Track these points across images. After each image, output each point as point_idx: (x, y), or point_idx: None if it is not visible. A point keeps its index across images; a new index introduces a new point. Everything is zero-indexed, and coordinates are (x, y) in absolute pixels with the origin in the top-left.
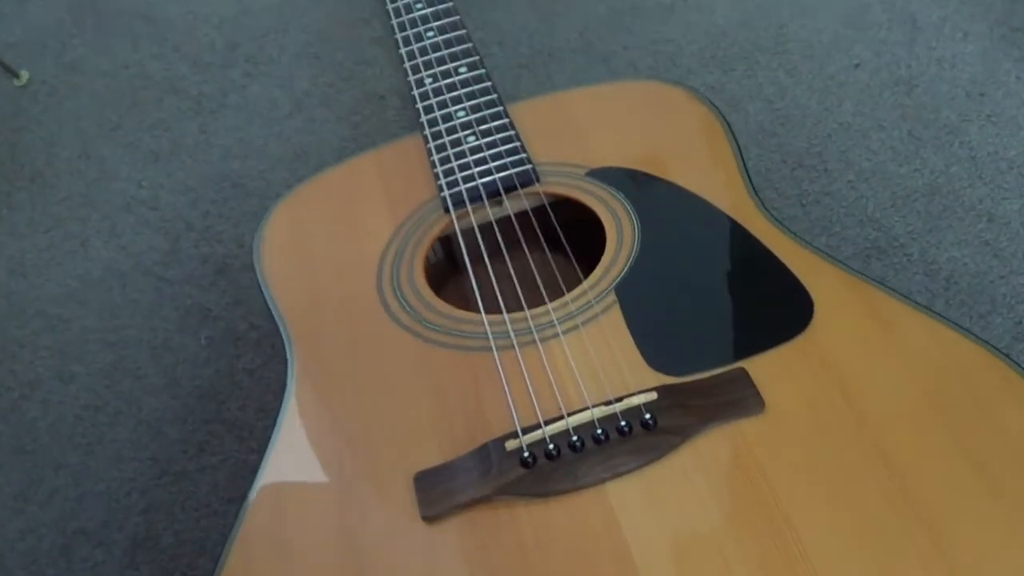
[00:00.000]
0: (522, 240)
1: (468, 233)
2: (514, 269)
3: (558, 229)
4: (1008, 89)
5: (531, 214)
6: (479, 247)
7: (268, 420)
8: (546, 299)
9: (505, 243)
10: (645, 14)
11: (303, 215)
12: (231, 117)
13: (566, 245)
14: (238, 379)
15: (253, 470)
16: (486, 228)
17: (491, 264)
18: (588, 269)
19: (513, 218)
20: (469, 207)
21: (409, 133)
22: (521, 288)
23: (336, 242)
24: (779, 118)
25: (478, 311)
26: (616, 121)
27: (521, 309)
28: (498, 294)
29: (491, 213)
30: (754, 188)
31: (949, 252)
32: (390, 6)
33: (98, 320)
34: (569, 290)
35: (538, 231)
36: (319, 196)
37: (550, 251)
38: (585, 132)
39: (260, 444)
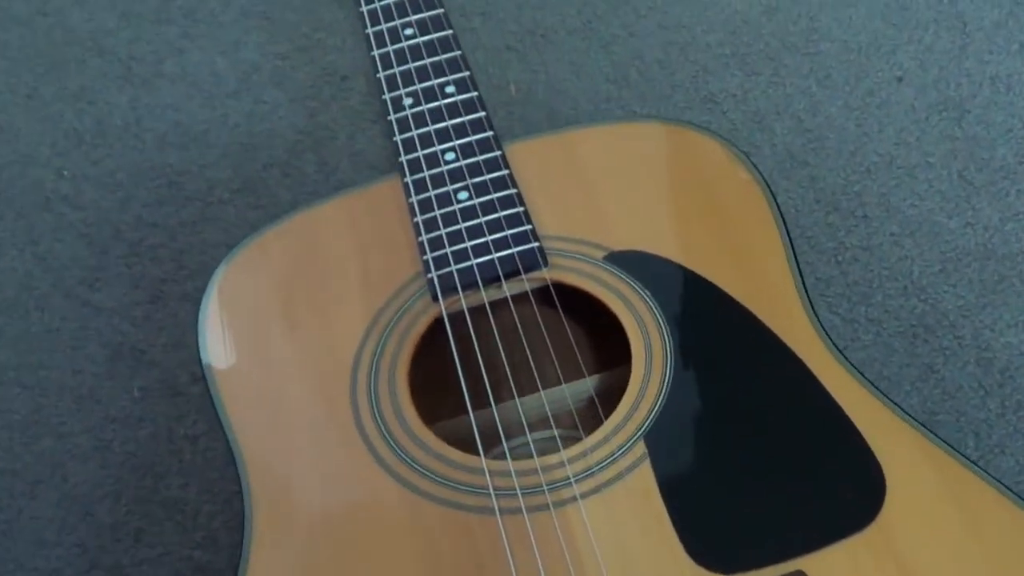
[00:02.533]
0: (519, 325)
1: (458, 320)
2: (510, 363)
3: (564, 322)
4: None
5: (533, 297)
6: (471, 339)
7: (214, 505)
8: (549, 415)
9: (499, 329)
10: None
11: (255, 288)
12: (167, 91)
13: (572, 342)
14: (178, 447)
15: (198, 569)
16: (478, 311)
17: (484, 355)
18: (598, 355)
19: (511, 301)
20: (461, 294)
21: (376, 173)
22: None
23: (298, 336)
24: (811, 142)
25: (470, 424)
26: (640, 182)
27: (522, 426)
28: (492, 403)
29: (485, 297)
30: (808, 294)
31: (1005, 336)
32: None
33: (12, 354)
34: (578, 393)
35: (539, 316)
36: (274, 261)
37: (555, 334)
38: (601, 196)
39: (205, 537)
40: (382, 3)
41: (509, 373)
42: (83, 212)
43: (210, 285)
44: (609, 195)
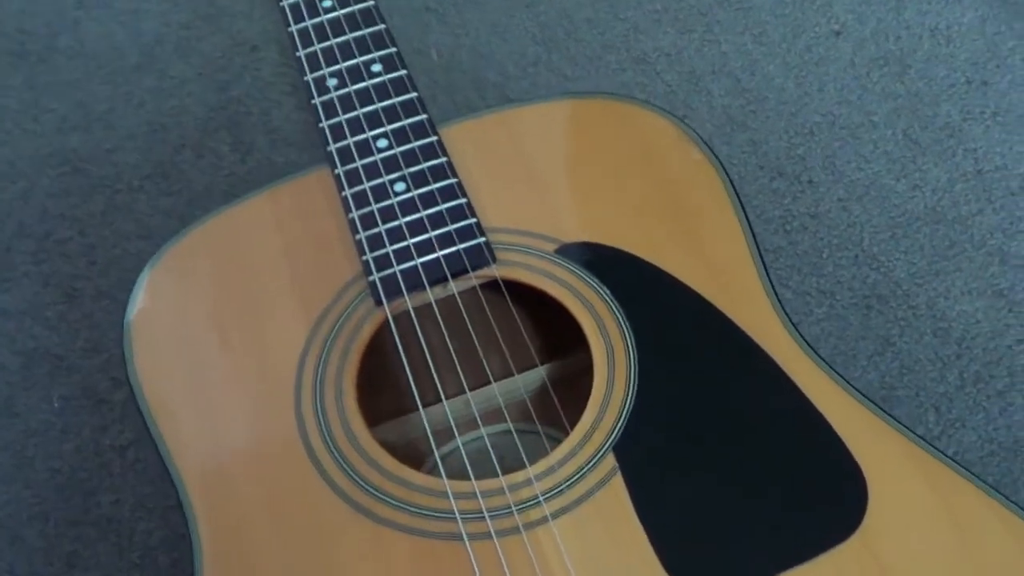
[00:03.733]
0: (466, 316)
1: (402, 318)
2: (458, 355)
3: (513, 310)
4: (1014, 77)
5: (480, 289)
6: (416, 334)
7: (150, 522)
8: (503, 408)
9: (444, 321)
10: None
11: (182, 295)
12: (64, 67)
13: (522, 330)
14: (106, 459)
15: None
16: (424, 308)
17: (430, 350)
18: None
19: (459, 297)
20: (407, 296)
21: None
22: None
23: (233, 347)
24: (750, 103)
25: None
26: (587, 164)
27: (475, 421)
28: (443, 398)
29: (432, 295)
30: (772, 282)
31: (960, 304)
32: None
33: None
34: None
35: (486, 306)
36: (200, 265)
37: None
38: (547, 181)
39: (143, 557)
40: None
41: (458, 366)
42: None
43: (134, 293)
44: (555, 180)
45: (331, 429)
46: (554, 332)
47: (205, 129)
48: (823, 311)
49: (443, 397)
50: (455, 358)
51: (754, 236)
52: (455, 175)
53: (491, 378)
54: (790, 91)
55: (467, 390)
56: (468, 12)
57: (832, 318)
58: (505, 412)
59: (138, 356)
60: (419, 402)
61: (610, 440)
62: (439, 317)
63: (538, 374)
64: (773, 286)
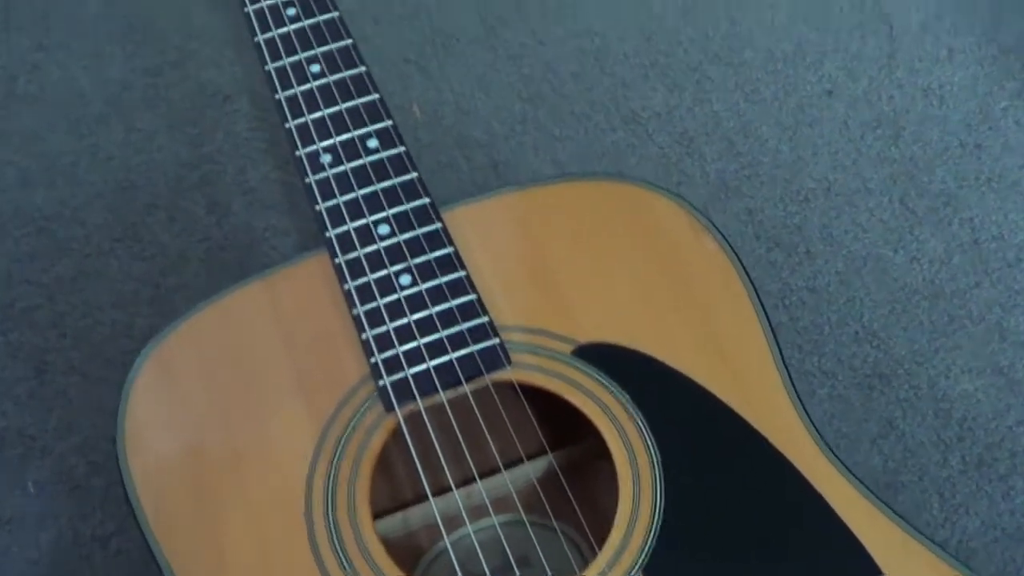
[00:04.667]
0: (476, 408)
1: (414, 419)
2: (467, 444)
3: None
4: (1007, 140)
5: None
6: (425, 428)
7: None
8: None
9: (456, 417)
10: None
11: (177, 397)
12: (24, 115)
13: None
14: (87, 551)
15: None
16: (435, 408)
17: (439, 441)
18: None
19: (470, 395)
20: (419, 401)
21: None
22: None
23: (236, 458)
24: (744, 168)
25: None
26: (598, 254)
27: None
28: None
29: (444, 398)
30: (794, 386)
31: (961, 384)
32: (251, 8)
33: None
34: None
35: (497, 399)
36: (196, 363)
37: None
38: (558, 273)
39: None
40: (279, 32)
41: (467, 454)
42: None
43: (124, 396)
44: (567, 272)
45: (345, 548)
46: (564, 420)
47: (177, 188)
48: (825, 392)
49: (452, 486)
50: (464, 447)
51: (772, 330)
52: (463, 267)
53: (500, 466)
54: (784, 155)
55: (476, 478)
56: (450, 65)
57: (835, 399)
58: (516, 500)
59: (134, 466)
60: (428, 491)
61: (639, 562)
62: (449, 412)
63: (547, 461)
64: (794, 384)
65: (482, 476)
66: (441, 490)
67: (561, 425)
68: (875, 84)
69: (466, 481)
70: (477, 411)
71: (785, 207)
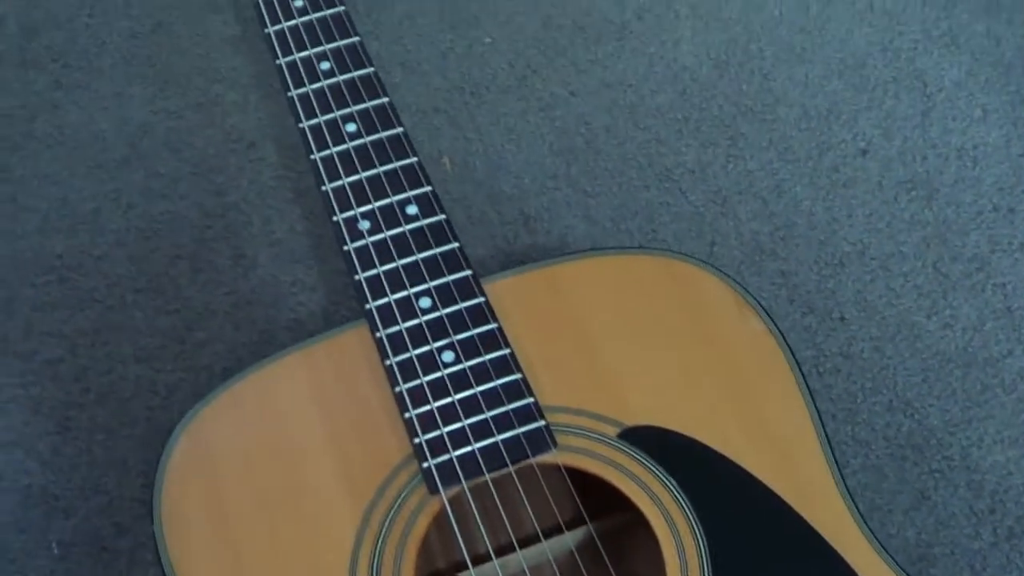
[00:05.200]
0: (520, 487)
1: (458, 500)
2: (508, 515)
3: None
4: None
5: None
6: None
7: None
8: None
9: (498, 491)
10: (591, 38)
11: (215, 471)
12: (45, 158)
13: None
14: None
15: None
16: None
17: (480, 515)
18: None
19: (514, 475)
20: (464, 484)
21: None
22: None
23: (278, 533)
24: (778, 229)
25: None
26: (643, 331)
27: None
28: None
29: (488, 478)
30: (842, 475)
31: (992, 455)
32: (283, 60)
33: None
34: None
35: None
36: (234, 437)
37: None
38: (603, 351)
39: None
40: (313, 87)
41: (508, 524)
42: None
43: (160, 469)
44: (611, 349)
45: None
46: (605, 492)
47: (202, 238)
48: (859, 462)
49: (491, 555)
50: (504, 518)
51: (818, 413)
52: (507, 344)
53: (539, 535)
54: (819, 216)
55: (516, 547)
56: (480, 114)
57: (868, 469)
58: (555, 569)
59: (172, 545)
60: (468, 561)
61: None
62: (492, 489)
63: (587, 530)
64: (840, 471)
65: (521, 545)
66: (479, 559)
67: (601, 496)
68: (909, 144)
69: (505, 550)
70: (519, 487)
71: (819, 270)
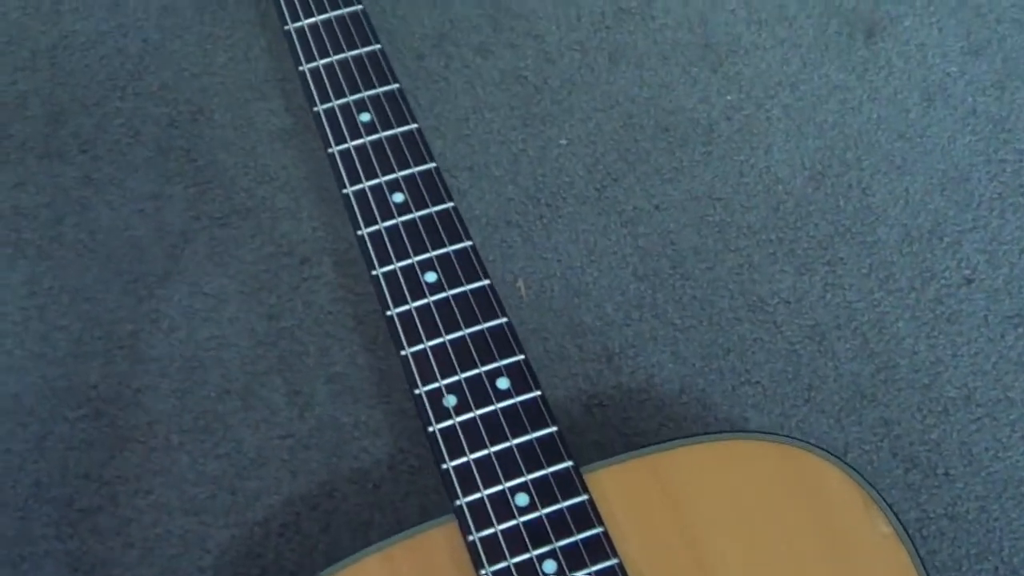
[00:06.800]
0: None
1: None
2: None
3: None
4: None
5: None
6: None
7: None
8: None
9: None
10: (675, 142)
11: None
12: (74, 268)
13: None
14: None
15: None
16: None
17: None
18: None
19: None
20: None
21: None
22: None
23: None
24: (880, 371)
25: None
26: (760, 530)
27: None
28: None
29: None
30: None
31: None
32: (350, 189)
33: None
34: None
35: None
36: None
37: None
38: (716, 555)
39: None
40: (387, 225)
41: None
42: None
43: None
44: (721, 548)
45: None
46: None
47: (253, 371)
48: None
49: None
50: None
51: None
52: (615, 553)
53: None
54: (922, 356)
55: None
56: (557, 230)
57: None
58: None
59: None
60: None
61: None
62: None
63: None
64: None
65: None
66: None
67: None
68: (1016, 271)
69: None
70: None
71: (923, 418)
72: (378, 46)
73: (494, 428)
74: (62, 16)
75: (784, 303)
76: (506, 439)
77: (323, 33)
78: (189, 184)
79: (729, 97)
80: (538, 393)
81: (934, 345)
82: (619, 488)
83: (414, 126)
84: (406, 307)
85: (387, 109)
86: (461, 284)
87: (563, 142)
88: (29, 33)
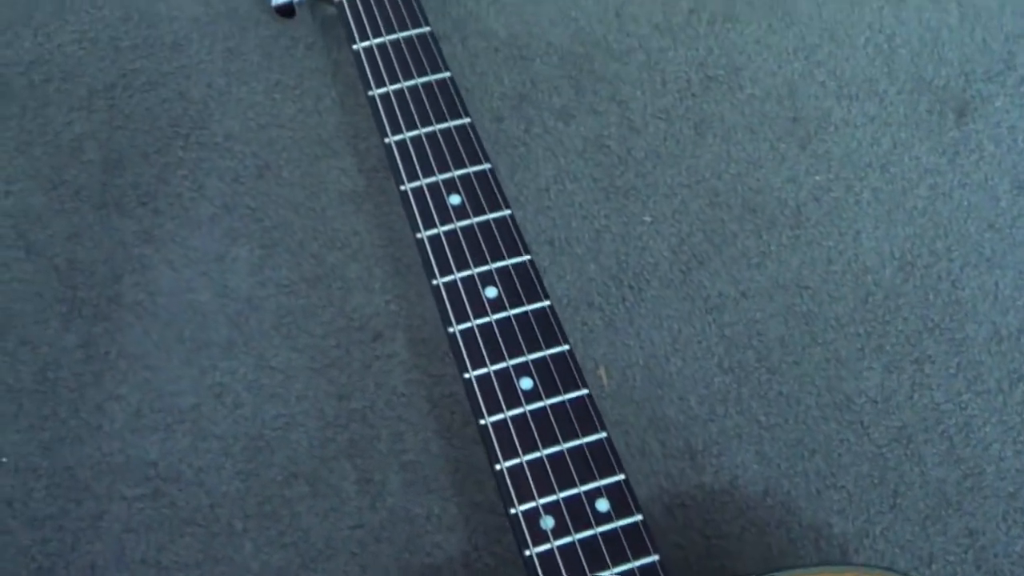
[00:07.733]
0: None
1: None
2: None
3: None
4: None
5: None
6: None
7: None
8: None
9: None
10: (763, 224)
11: None
12: (133, 332)
13: None
14: None
15: None
16: None
17: None
18: None
19: None
20: None
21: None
22: None
23: None
24: (966, 478)
25: None
26: None
27: None
28: None
29: None
30: None
31: None
32: (440, 280)
33: None
34: None
35: None
36: None
37: None
38: None
39: None
40: (480, 323)
41: None
42: (40, 531)
43: None
44: None
45: None
46: None
47: (322, 455)
48: None
49: None
50: None
51: None
52: None
53: None
54: (1008, 463)
55: None
56: (640, 314)
57: None
58: None
59: None
60: None
61: None
62: None
63: None
64: None
65: None
66: None
67: None
68: None
69: None
70: None
71: (1008, 530)
72: (468, 119)
73: (593, 554)
74: (121, 53)
75: (871, 402)
76: (606, 566)
77: (410, 103)
78: (255, 246)
79: (818, 177)
80: (640, 517)
81: (1020, 452)
82: None
83: (507, 212)
84: (501, 416)
85: (478, 190)
86: (559, 393)
87: (647, 219)
88: (86, 70)
